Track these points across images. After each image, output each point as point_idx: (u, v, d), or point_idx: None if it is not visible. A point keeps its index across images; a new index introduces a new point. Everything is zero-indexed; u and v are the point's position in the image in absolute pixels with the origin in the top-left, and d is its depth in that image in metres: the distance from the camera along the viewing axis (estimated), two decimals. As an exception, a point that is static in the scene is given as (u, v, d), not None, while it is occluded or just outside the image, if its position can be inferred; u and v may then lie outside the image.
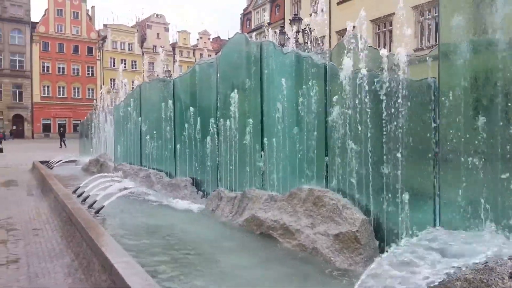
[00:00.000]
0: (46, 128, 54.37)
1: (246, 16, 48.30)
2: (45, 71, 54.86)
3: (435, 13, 21.01)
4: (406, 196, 3.92)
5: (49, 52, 54.90)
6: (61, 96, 56.05)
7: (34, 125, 53.21)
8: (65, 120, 55.71)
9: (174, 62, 59.31)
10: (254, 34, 37.32)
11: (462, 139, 3.51)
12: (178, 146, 8.54)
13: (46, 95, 54.94)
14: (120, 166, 11.30)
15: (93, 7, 60.56)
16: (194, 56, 65.12)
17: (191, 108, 7.99)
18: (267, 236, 5.16)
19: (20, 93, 53.00)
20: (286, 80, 5.50)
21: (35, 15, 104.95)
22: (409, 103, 3.90)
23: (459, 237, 3.28)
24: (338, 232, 4.29)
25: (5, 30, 51.90)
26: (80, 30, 57.28)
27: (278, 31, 12.95)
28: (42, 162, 15.75)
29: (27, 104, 53.30)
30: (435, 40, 20.67)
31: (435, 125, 3.73)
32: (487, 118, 3.37)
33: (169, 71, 37.38)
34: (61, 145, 31.38)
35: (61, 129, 38.03)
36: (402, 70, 3.89)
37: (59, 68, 55.87)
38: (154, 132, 9.64)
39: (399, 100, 3.95)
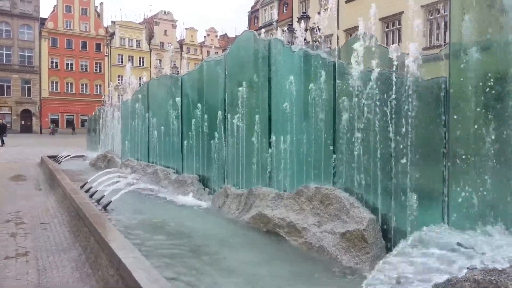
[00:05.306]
0: (54, 123, 54.77)
1: (253, 14, 48.21)
2: (54, 67, 55.28)
3: (444, 12, 20.83)
4: (414, 196, 3.90)
5: (57, 48, 55.30)
6: (69, 91, 56.46)
7: (42, 120, 53.60)
8: (73, 115, 56.15)
9: (181, 59, 59.47)
10: (263, 31, 37.21)
11: (472, 140, 3.49)
12: (185, 142, 8.57)
13: (54, 90, 55.38)
14: (128, 162, 11.36)
15: (101, 3, 60.86)
16: (201, 53, 65.19)
17: (199, 105, 8.00)
18: (273, 233, 5.17)
19: (29, 88, 53.47)
20: (294, 78, 5.49)
21: (44, 11, 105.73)
22: (418, 102, 3.88)
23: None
24: (345, 230, 4.28)
25: (15, 25, 52.32)
26: (88, 27, 57.62)
27: (286, 29, 12.92)
28: (50, 157, 15.87)
29: (36, 99, 53.77)
30: (444, 39, 20.50)
31: (445, 125, 3.70)
32: (497, 118, 3.34)
33: (176, 67, 37.37)
34: (1, 143, 26.84)
35: (2, 123, 31.14)
36: (412, 69, 3.87)
37: (67, 64, 56.27)
38: (162, 129, 9.67)
39: (409, 99, 3.93)
